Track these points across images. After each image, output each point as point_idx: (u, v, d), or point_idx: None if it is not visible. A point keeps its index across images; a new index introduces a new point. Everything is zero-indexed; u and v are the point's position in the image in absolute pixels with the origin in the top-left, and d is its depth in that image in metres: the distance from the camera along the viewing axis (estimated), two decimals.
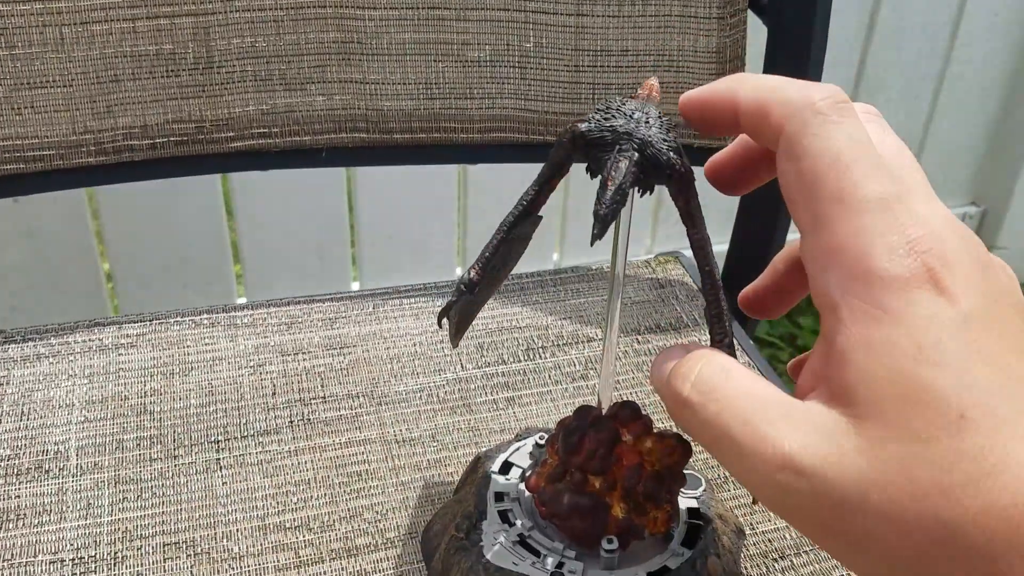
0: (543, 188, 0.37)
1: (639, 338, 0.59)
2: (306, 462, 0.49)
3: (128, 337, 0.56)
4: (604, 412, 0.42)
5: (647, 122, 0.34)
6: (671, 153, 0.34)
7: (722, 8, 0.58)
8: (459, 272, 1.19)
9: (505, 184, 1.11)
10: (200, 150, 0.55)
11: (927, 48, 1.34)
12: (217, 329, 0.57)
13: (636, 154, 0.33)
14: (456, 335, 0.41)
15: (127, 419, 0.51)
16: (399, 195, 1.08)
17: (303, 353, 0.56)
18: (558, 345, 0.58)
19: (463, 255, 1.17)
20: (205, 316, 0.58)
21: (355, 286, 1.15)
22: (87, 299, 1.04)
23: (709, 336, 0.36)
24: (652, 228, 1.29)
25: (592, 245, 0.33)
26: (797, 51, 0.59)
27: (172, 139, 0.54)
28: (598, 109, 0.35)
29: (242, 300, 1.03)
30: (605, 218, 0.32)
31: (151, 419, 0.51)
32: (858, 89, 1.35)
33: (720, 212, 1.26)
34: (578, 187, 1.18)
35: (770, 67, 0.60)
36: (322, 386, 0.53)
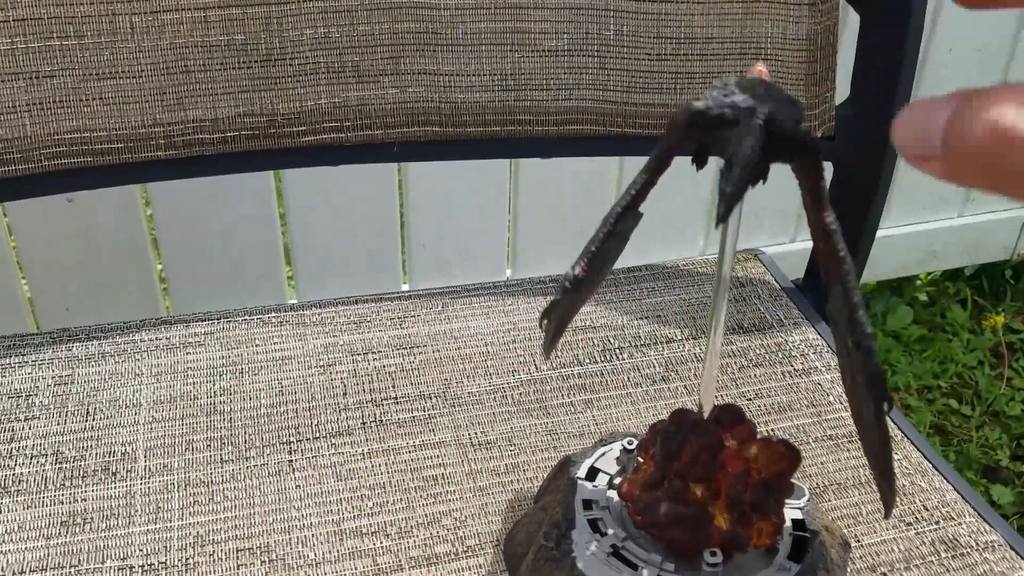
0: (651, 180, 0.35)
1: (721, 339, 0.56)
2: (380, 465, 0.47)
3: (196, 336, 0.55)
4: (704, 416, 0.40)
5: (771, 97, 0.32)
6: (800, 127, 0.31)
7: None
8: (509, 273, 1.16)
9: (555, 183, 1.09)
10: (271, 144, 0.53)
11: (979, 73, 1.30)
12: (285, 328, 0.55)
13: (761, 132, 0.31)
14: (551, 342, 0.39)
15: (196, 419, 0.49)
16: (449, 195, 1.06)
17: (373, 352, 0.54)
18: (636, 346, 0.55)
19: (513, 256, 1.15)
20: (273, 315, 0.56)
21: (405, 287, 1.14)
22: (140, 300, 1.03)
23: (838, 341, 0.33)
24: (706, 227, 1.26)
25: (716, 227, 0.31)
26: (891, 41, 0.56)
27: (243, 133, 0.53)
28: (715, 87, 0.32)
29: (293, 301, 1.02)
30: (732, 196, 0.30)
31: (221, 419, 0.49)
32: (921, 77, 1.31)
33: (778, 213, 1.23)
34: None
35: (864, 58, 0.57)
36: (393, 386, 0.52)
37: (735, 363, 0.55)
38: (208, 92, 0.52)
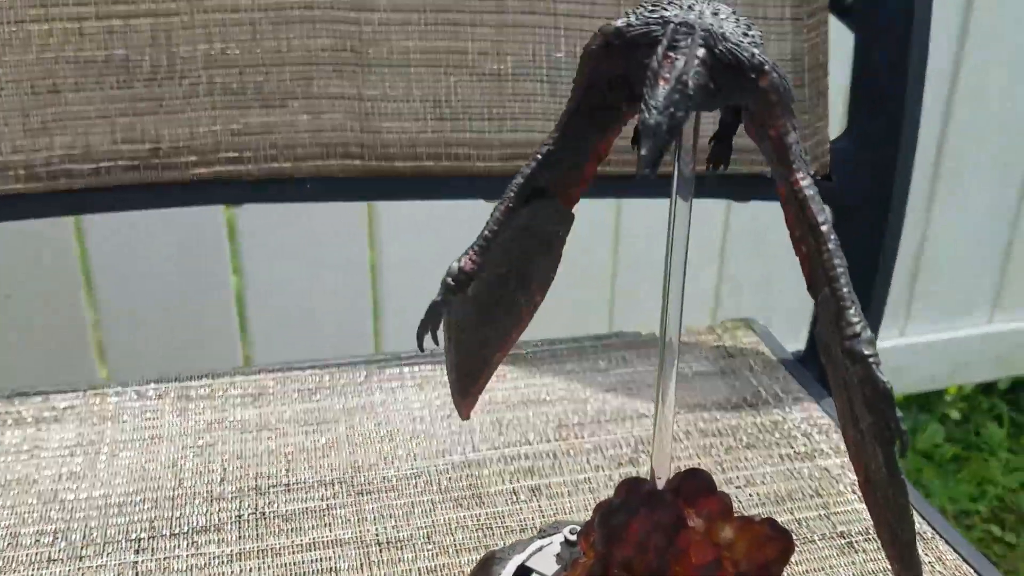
0: (564, 138, 0.26)
1: (704, 416, 0.46)
2: (250, 570, 0.36)
3: (53, 410, 0.44)
4: (661, 485, 0.29)
5: (715, 13, 0.23)
6: (756, 51, 0.22)
7: (797, 7, 0.48)
8: None
9: None
10: (155, 177, 0.45)
11: (1009, 140, 1.22)
12: (165, 401, 0.45)
13: (702, 49, 0.22)
14: (463, 395, 0.29)
15: (30, 508, 0.39)
16: (425, 235, 0.95)
17: (269, 430, 0.43)
18: (599, 422, 0.45)
19: None
20: (153, 386, 0.46)
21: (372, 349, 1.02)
22: (34, 359, 0.93)
23: (832, 329, 0.23)
24: (716, 290, 1.15)
25: (638, 176, 0.21)
26: (892, 59, 0.48)
27: (120, 163, 0.44)
28: (641, 4, 0.23)
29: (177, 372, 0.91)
30: (658, 130, 0.20)
31: (60, 509, 0.38)
32: (935, 188, 1.22)
33: (791, 313, 1.12)
34: (627, 222, 1.04)
35: (859, 77, 0.49)
36: (287, 471, 0.41)
37: (721, 444, 0.44)
38: (80, 115, 0.44)
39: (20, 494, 0.39)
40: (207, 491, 0.39)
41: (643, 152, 0.20)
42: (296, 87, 0.46)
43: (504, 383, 0.47)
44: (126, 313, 0.94)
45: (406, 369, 0.48)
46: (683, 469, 0.30)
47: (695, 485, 0.28)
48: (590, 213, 1.01)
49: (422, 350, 0.24)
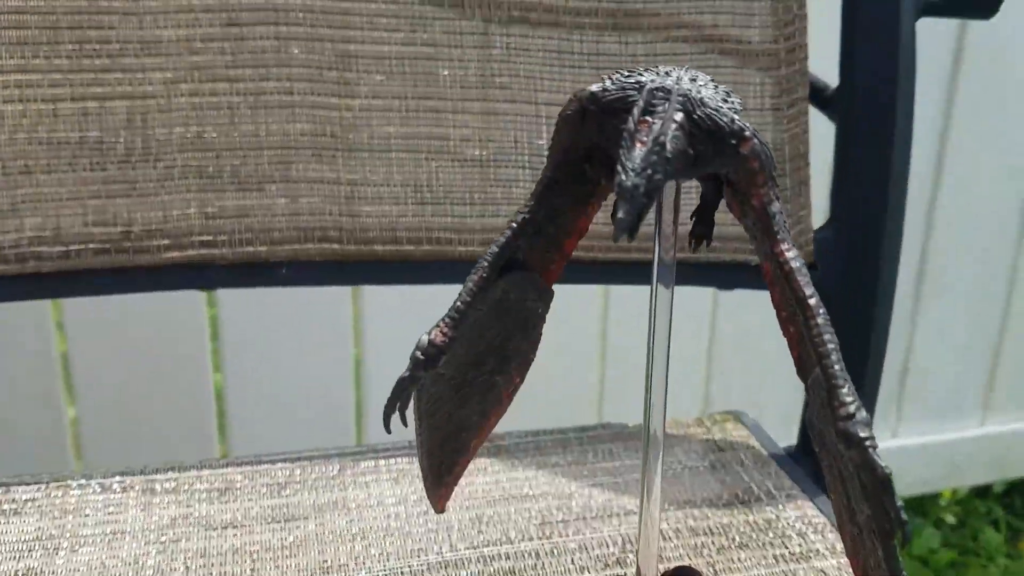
0: (539, 208, 0.25)
1: (695, 513, 0.44)
2: None
3: (14, 502, 0.42)
4: None
5: (693, 79, 0.22)
6: (735, 116, 0.21)
7: (777, 98, 0.48)
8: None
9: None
10: (126, 261, 0.44)
11: (995, 239, 1.23)
12: (129, 495, 0.43)
13: (680, 114, 0.21)
14: (437, 485, 0.27)
15: None
16: (410, 325, 0.93)
17: (235, 527, 0.41)
18: (585, 519, 0.43)
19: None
20: (118, 479, 0.44)
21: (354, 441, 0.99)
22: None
23: (824, 412, 0.22)
24: (705, 380, 1.13)
25: (616, 241, 0.20)
26: (875, 150, 0.48)
27: (91, 246, 0.43)
28: (617, 71, 0.23)
29: (143, 464, 0.87)
30: (634, 193, 0.19)
31: None
32: (920, 289, 1.23)
33: (782, 407, 1.10)
34: (616, 309, 1.02)
35: (841, 167, 0.48)
36: (252, 570, 0.38)
37: (713, 543, 0.42)
38: (51, 197, 0.43)
39: None
40: None
41: (620, 215, 0.19)
42: (274, 171, 0.45)
43: (485, 476, 0.45)
44: (104, 409, 0.92)
45: (381, 462, 0.46)
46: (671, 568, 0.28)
47: None
48: (578, 300, 1.01)
49: (388, 431, 0.23)
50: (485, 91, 0.46)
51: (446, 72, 0.46)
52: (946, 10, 0.47)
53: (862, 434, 0.20)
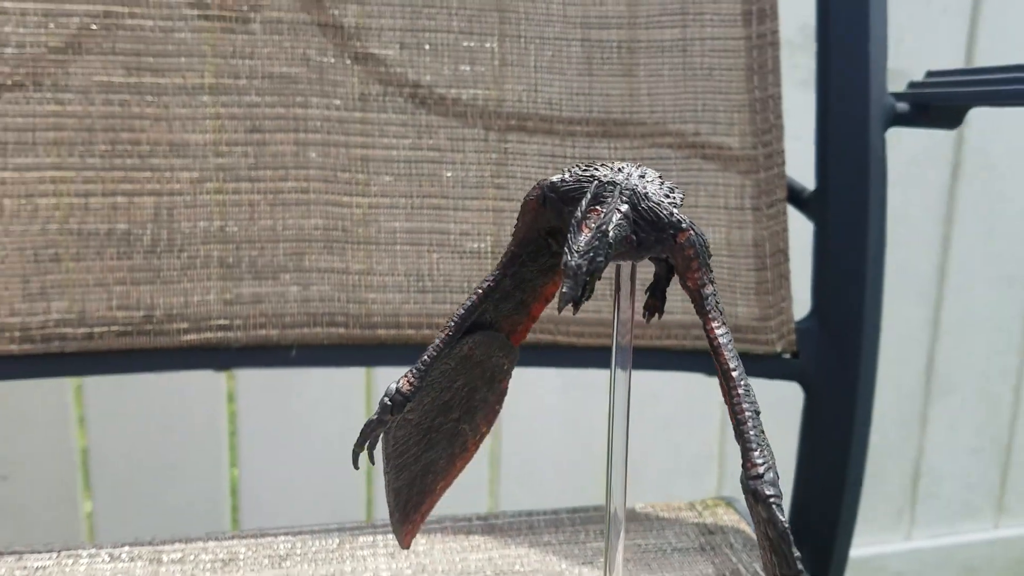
0: (503, 277, 0.28)
1: None
2: None
3: (25, 569, 0.44)
4: None
5: (642, 176, 0.25)
6: (675, 210, 0.24)
7: (756, 199, 0.51)
8: (484, 507, 1.03)
9: (540, 389, 0.99)
10: (146, 343, 0.47)
11: (1001, 341, 1.25)
12: (137, 564, 0.45)
13: (625, 205, 0.24)
14: (403, 522, 0.30)
15: None
16: None
17: None
18: None
19: (495, 483, 1.02)
20: (126, 549, 0.46)
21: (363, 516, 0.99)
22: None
23: (742, 470, 0.24)
24: (718, 466, 1.13)
25: (560, 311, 0.23)
26: (851, 248, 0.51)
27: (114, 328, 0.47)
28: (577, 165, 0.26)
29: (151, 536, 0.88)
30: (577, 272, 0.22)
31: None
32: (929, 389, 1.24)
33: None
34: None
35: (821, 263, 0.51)
36: None
37: None
38: (78, 283, 0.47)
39: None
40: None
41: (565, 290, 0.22)
42: (288, 261, 0.49)
43: (478, 553, 0.47)
44: (120, 502, 0.94)
45: (379, 537, 0.48)
46: None
47: None
48: (584, 382, 1.03)
49: (356, 467, 0.25)
50: (484, 190, 0.50)
51: (449, 174, 0.50)
52: (914, 121, 0.51)
53: (768, 492, 0.22)
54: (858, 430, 0.51)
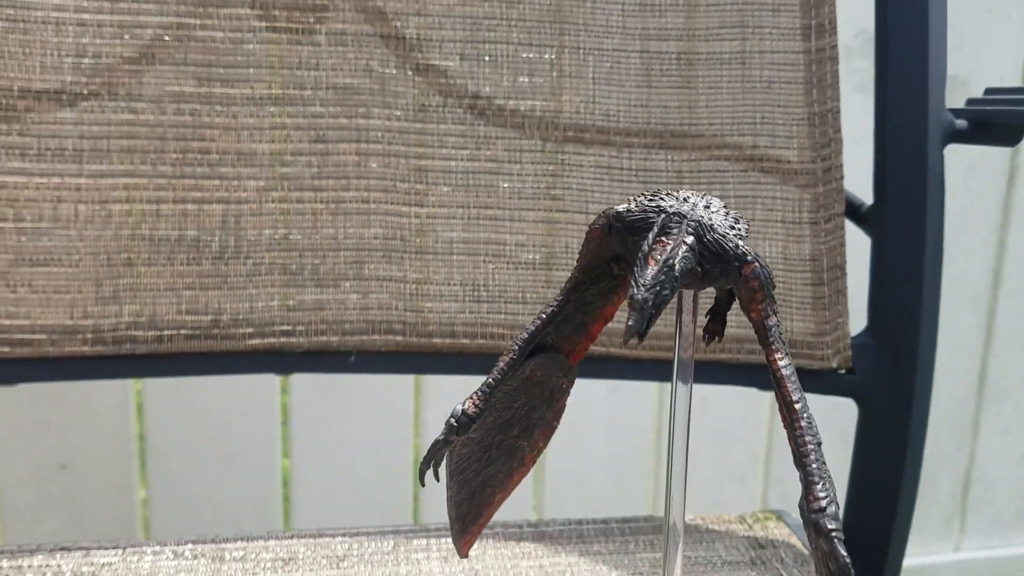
0: (567, 301, 0.28)
1: None
2: None
3: (92, 565, 0.46)
4: None
5: (707, 207, 0.26)
6: (740, 242, 0.25)
7: (814, 213, 0.51)
8: (531, 516, 1.03)
9: (585, 397, 0.99)
10: (212, 346, 0.48)
11: None
12: (200, 562, 0.47)
13: (691, 237, 0.25)
14: (463, 532, 0.30)
15: None
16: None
17: None
18: None
19: (540, 488, 1.03)
20: (189, 547, 0.48)
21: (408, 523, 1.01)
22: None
23: (804, 504, 0.24)
24: (764, 474, 1.12)
25: (626, 343, 0.24)
26: (908, 264, 0.51)
27: (182, 332, 0.48)
28: (642, 193, 0.27)
29: (214, 534, 0.90)
30: (644, 305, 0.23)
31: None
32: (982, 395, 1.22)
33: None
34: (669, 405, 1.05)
35: (878, 279, 0.51)
36: None
37: None
38: (149, 287, 0.48)
39: None
40: None
41: (631, 323, 0.23)
42: (349, 269, 0.50)
43: (528, 560, 0.48)
44: (174, 491, 0.96)
45: (432, 541, 0.49)
46: None
47: None
48: (627, 387, 1.03)
49: (423, 485, 0.26)
50: (540, 202, 0.51)
51: (506, 185, 0.51)
52: (972, 138, 0.50)
53: (830, 526, 0.23)
54: (912, 446, 0.51)
